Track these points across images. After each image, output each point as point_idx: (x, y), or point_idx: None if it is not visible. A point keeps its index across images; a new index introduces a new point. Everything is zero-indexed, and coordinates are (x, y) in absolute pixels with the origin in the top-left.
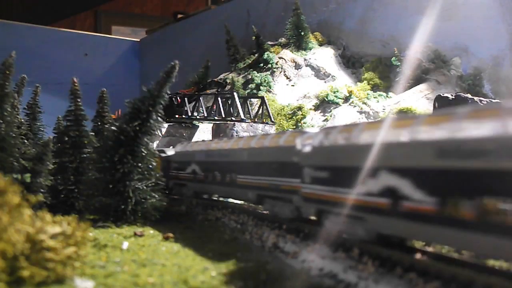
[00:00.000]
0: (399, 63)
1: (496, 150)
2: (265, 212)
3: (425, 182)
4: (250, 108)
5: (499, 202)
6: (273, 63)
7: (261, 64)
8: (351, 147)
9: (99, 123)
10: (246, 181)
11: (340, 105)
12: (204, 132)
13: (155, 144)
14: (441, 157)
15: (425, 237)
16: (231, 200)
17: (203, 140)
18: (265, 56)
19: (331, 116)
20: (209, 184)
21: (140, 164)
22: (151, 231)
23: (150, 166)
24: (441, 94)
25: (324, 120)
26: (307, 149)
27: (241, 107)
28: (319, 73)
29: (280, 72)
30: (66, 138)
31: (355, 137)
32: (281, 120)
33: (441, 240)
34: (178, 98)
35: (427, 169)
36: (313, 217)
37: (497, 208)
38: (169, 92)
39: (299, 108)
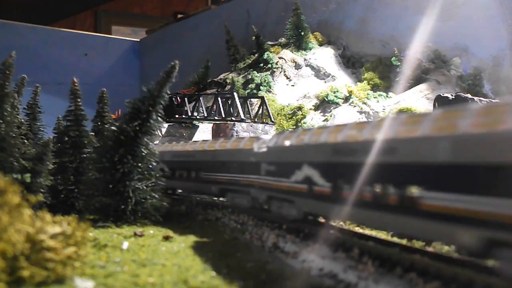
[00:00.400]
0: (399, 63)
1: (357, 150)
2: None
3: (325, 171)
4: (250, 108)
5: (365, 186)
6: (273, 63)
7: (261, 64)
8: (287, 147)
9: (99, 123)
10: (210, 177)
11: (340, 105)
12: (204, 132)
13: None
14: (333, 154)
15: (327, 213)
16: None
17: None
18: (265, 56)
19: (331, 116)
20: (175, 180)
21: (140, 164)
22: (151, 231)
23: (150, 166)
24: (441, 94)
25: (324, 120)
26: (264, 148)
27: (241, 107)
28: (319, 73)
29: (280, 72)
30: (66, 138)
31: (291, 140)
32: (281, 120)
33: (334, 214)
34: (178, 98)
35: (325, 163)
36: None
37: (364, 190)
38: (169, 92)
39: (299, 108)
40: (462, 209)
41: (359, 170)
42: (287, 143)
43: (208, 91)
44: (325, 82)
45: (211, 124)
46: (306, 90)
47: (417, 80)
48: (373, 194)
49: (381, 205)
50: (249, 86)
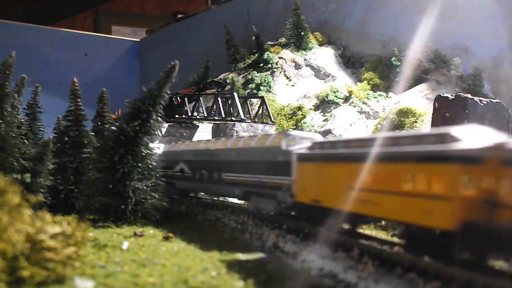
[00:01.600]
0: (399, 63)
1: (202, 154)
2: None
3: (189, 165)
4: (250, 108)
5: (205, 172)
6: (273, 63)
7: (261, 64)
8: (173, 151)
9: (99, 123)
10: None
11: (340, 105)
12: (204, 132)
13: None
14: (193, 156)
15: (191, 189)
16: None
17: None
18: (265, 56)
19: (331, 116)
20: None
21: (140, 164)
22: (151, 231)
23: (150, 166)
24: (441, 94)
25: (324, 120)
26: (160, 151)
27: (241, 107)
28: (319, 73)
29: (280, 72)
30: (66, 138)
31: (176, 147)
32: (281, 120)
33: (194, 189)
34: (178, 98)
35: (190, 160)
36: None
37: (204, 174)
38: (169, 92)
39: (299, 108)
40: (237, 179)
41: (203, 164)
42: (172, 149)
43: (208, 91)
44: (325, 82)
45: (211, 124)
46: (306, 90)
47: (417, 80)
48: (208, 176)
49: (211, 181)
50: (249, 86)
